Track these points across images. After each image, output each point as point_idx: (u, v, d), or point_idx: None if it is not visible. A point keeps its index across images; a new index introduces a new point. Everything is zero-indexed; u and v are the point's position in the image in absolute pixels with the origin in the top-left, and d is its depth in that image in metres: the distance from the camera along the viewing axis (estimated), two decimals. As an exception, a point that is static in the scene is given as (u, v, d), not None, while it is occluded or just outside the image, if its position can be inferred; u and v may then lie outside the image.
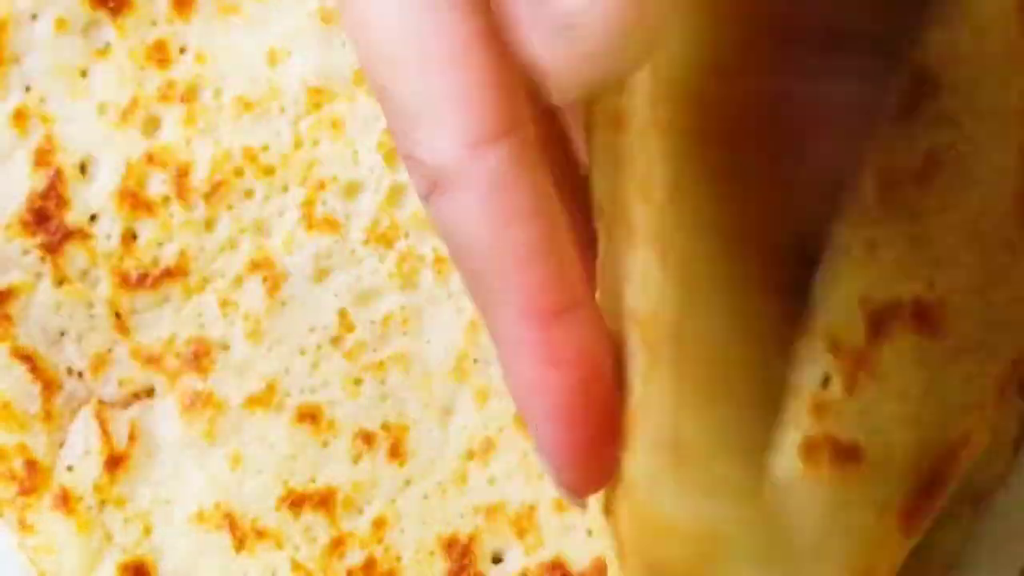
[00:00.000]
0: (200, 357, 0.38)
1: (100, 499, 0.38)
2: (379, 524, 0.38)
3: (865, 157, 0.26)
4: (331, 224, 0.39)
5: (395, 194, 0.39)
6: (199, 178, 0.38)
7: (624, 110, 0.25)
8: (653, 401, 0.24)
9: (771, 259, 0.25)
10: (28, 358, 0.38)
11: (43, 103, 0.38)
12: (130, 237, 0.39)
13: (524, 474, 0.38)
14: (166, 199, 0.38)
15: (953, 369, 0.36)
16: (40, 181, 0.38)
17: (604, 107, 0.26)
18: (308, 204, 0.39)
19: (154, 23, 0.39)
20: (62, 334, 0.38)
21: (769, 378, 0.26)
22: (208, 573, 0.38)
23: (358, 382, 0.39)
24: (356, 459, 0.38)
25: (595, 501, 0.29)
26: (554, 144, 0.27)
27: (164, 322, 0.39)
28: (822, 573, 0.36)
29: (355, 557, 0.38)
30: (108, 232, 0.38)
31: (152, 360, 0.38)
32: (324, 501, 0.38)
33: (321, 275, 0.39)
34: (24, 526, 0.38)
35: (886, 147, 0.33)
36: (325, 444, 0.38)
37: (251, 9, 0.39)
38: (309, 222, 0.39)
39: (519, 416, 0.37)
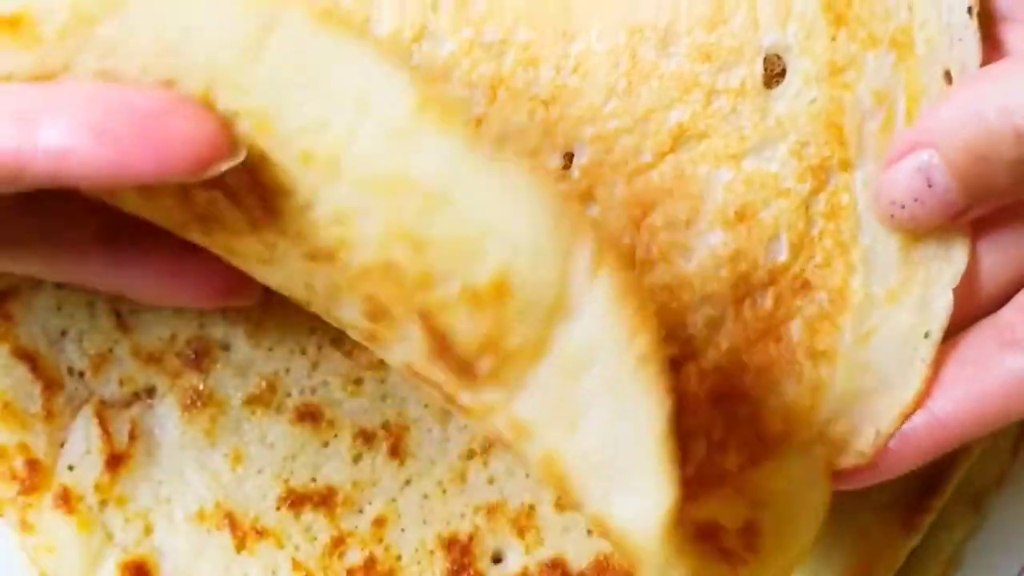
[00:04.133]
0: (201, 356, 0.39)
1: (101, 498, 0.38)
2: (379, 523, 0.38)
3: None
4: None
5: None
6: None
7: None
8: None
9: None
10: (29, 357, 0.38)
11: None
12: None
13: (523, 473, 0.38)
14: None
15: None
16: None
17: None
18: None
19: None
20: (63, 333, 0.39)
21: None
22: (209, 572, 0.38)
23: (358, 382, 0.39)
24: (356, 459, 0.38)
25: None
26: None
27: (165, 322, 0.39)
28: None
29: (355, 556, 0.38)
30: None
31: (153, 359, 0.39)
32: (324, 500, 0.38)
33: None
34: (25, 525, 0.38)
35: None
36: (325, 444, 0.38)
37: None
38: None
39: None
